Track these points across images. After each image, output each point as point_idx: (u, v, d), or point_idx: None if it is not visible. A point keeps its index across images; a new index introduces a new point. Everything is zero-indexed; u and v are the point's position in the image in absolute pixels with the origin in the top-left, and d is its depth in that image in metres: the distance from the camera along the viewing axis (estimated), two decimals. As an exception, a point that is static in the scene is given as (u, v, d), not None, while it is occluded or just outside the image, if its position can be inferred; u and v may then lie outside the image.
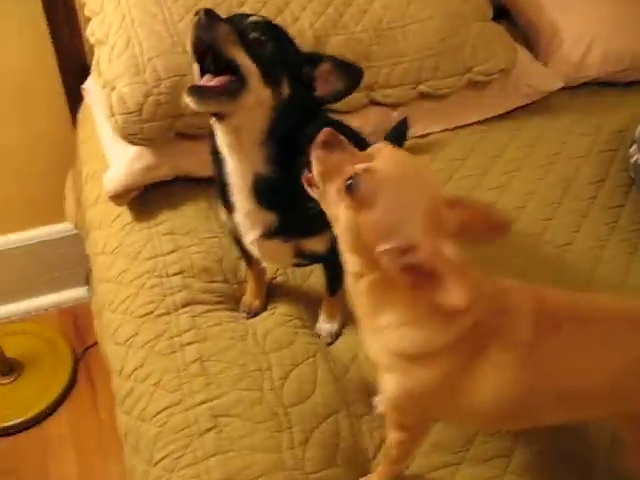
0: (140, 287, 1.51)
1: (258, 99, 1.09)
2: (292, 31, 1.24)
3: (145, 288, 1.51)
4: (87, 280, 2.12)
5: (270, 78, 1.09)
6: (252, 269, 1.50)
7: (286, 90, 1.13)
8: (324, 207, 0.99)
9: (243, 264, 1.57)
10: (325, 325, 1.49)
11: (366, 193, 0.90)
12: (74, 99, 2.13)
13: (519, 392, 1.00)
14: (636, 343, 1.01)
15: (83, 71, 2.02)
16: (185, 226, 1.64)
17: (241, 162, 1.18)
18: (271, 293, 1.55)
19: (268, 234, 1.27)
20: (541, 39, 2.16)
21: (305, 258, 1.37)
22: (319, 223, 1.25)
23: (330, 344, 1.47)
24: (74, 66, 2.09)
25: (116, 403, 1.42)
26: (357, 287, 1.00)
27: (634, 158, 1.77)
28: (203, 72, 1.09)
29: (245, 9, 1.74)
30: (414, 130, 1.91)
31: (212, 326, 1.43)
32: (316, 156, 0.97)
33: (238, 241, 1.40)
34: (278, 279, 1.59)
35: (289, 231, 1.27)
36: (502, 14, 2.22)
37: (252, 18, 1.12)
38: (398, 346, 1.00)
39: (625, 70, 2.12)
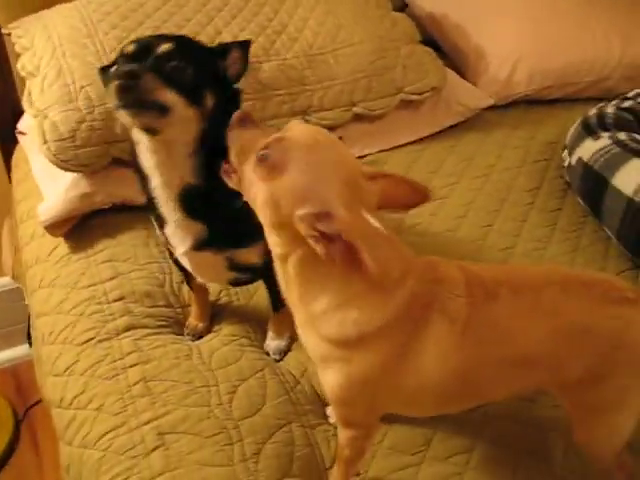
0: (79, 315, 1.46)
1: (185, 119, 1.11)
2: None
3: (85, 316, 1.46)
4: (28, 335, 2.03)
5: (193, 101, 1.11)
6: (195, 290, 1.47)
7: (210, 101, 1.14)
8: (244, 193, 0.98)
9: (186, 287, 1.54)
10: (273, 342, 1.46)
11: (277, 160, 0.90)
12: (8, 152, 2.08)
13: (463, 363, 0.99)
14: (568, 306, 1.01)
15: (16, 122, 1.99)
16: (124, 253, 1.60)
17: (169, 174, 1.17)
18: (216, 315, 1.52)
19: (199, 245, 1.25)
20: (468, 62, 2.23)
21: (241, 272, 1.35)
22: (250, 232, 1.25)
23: (279, 361, 1.44)
24: (6, 118, 2.05)
25: (58, 438, 1.35)
26: (286, 271, 0.98)
27: (567, 161, 1.81)
28: None
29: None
30: (351, 152, 1.92)
31: (155, 348, 1.38)
32: (230, 137, 0.98)
33: (173, 257, 1.38)
34: (222, 300, 1.56)
35: (220, 241, 1.25)
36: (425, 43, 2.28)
37: (165, 47, 1.12)
38: (337, 331, 0.96)
39: (550, 87, 2.20)
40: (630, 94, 1.96)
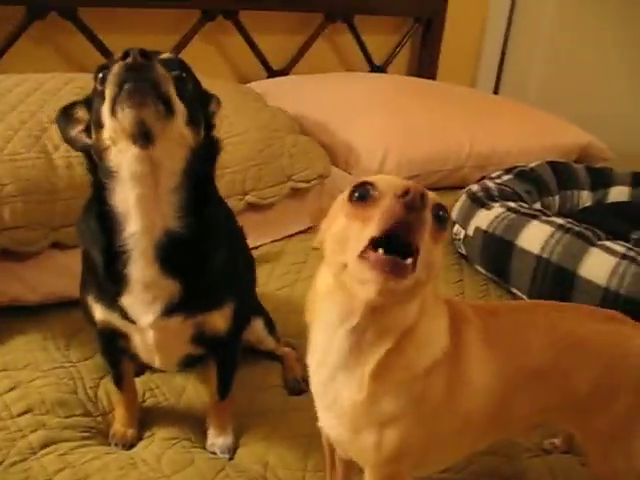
0: (-23, 438, 1.17)
1: (182, 135, 0.99)
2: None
3: (-17, 438, 1.17)
4: None
5: (192, 119, 1.00)
6: (125, 390, 1.26)
7: (202, 132, 1.04)
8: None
9: (103, 392, 1.32)
10: (217, 440, 1.26)
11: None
12: None
13: (495, 377, 0.96)
14: (562, 321, 1.04)
15: None
16: (20, 360, 1.35)
17: (150, 216, 1.01)
18: (142, 420, 1.30)
19: (169, 310, 1.08)
20: (339, 157, 2.30)
21: (201, 344, 1.18)
22: (224, 291, 1.16)
23: (231, 459, 1.25)
24: None
25: None
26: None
27: (461, 234, 1.89)
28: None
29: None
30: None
31: (90, 461, 1.14)
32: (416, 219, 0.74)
33: (112, 347, 1.20)
34: (148, 402, 1.34)
35: (192, 304, 1.10)
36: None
37: (166, 55, 1.03)
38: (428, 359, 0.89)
39: (417, 176, 2.32)
40: (493, 175, 2.13)
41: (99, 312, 1.12)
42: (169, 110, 0.94)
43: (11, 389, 1.26)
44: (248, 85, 2.55)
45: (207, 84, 2.03)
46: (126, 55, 0.92)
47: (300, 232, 2.02)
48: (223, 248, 1.11)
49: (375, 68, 3.22)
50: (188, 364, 1.27)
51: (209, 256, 1.08)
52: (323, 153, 2.09)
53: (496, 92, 3.77)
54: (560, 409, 1.06)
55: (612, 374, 1.02)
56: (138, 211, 1.00)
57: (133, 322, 1.09)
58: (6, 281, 1.42)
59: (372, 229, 0.74)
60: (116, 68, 0.92)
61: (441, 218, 0.80)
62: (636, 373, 1.03)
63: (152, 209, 1.01)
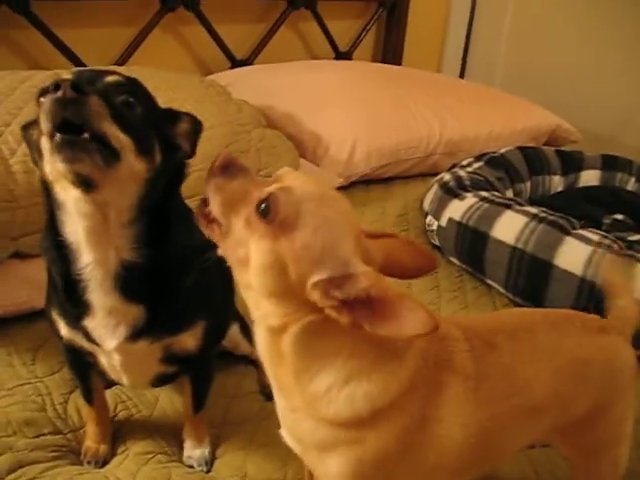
0: (-64, 466, 1.11)
1: (132, 172, 0.91)
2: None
3: (-56, 466, 1.11)
4: None
5: (144, 149, 0.92)
6: (94, 405, 1.21)
7: (158, 157, 0.96)
8: (227, 251, 0.80)
9: (72, 408, 1.27)
10: (195, 452, 1.22)
11: (287, 213, 0.74)
12: None
13: (482, 422, 0.88)
14: (564, 344, 0.97)
15: None
16: (-18, 379, 1.28)
17: (102, 248, 0.95)
18: (114, 435, 1.25)
19: (135, 334, 1.03)
20: (307, 148, 2.25)
21: (172, 364, 1.14)
22: (193, 311, 1.10)
23: (208, 472, 1.21)
24: None
25: None
26: (278, 347, 0.81)
27: (434, 225, 1.86)
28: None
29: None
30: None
31: (63, 483, 1.09)
32: (214, 185, 0.80)
33: (80, 361, 1.14)
34: (120, 415, 1.30)
35: (159, 327, 1.04)
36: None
37: (112, 78, 0.94)
38: (346, 410, 0.81)
39: (386, 165, 2.29)
40: (463, 163, 2.11)
41: (63, 329, 1.07)
42: (109, 154, 0.86)
43: (-26, 410, 1.20)
44: (212, 77, 2.49)
45: (169, 78, 1.98)
46: (57, 87, 0.82)
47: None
48: (190, 271, 1.04)
49: (340, 55, 3.16)
50: (161, 382, 1.22)
51: (174, 281, 1.02)
52: (291, 146, 2.04)
53: (462, 76, 3.74)
54: (551, 432, 1.02)
55: (608, 390, 1.00)
56: (89, 244, 0.95)
57: (97, 344, 1.04)
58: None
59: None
60: (47, 103, 0.82)
61: (262, 211, 0.76)
62: (627, 383, 1.01)
63: (104, 242, 0.95)
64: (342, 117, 2.29)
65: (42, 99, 0.86)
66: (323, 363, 0.81)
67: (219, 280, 1.22)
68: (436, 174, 2.28)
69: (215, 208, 0.79)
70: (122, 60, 2.40)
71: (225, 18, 2.65)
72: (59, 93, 0.82)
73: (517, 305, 1.68)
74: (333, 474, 0.86)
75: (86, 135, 0.83)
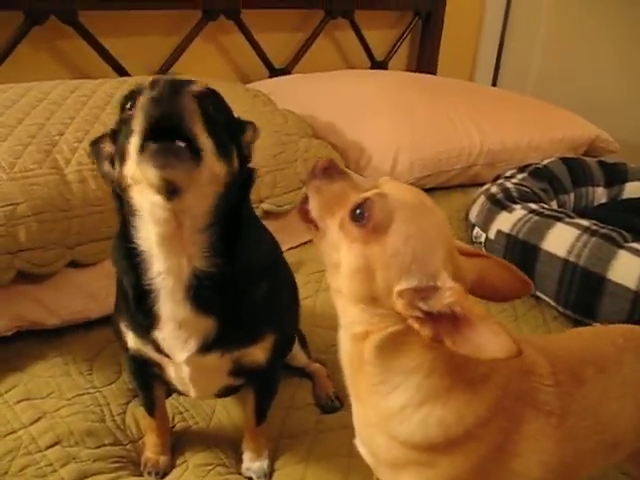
0: (3, 474, 1.11)
1: (213, 175, 0.90)
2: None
3: (11, 474, 1.11)
4: None
5: (224, 153, 0.92)
6: (155, 416, 1.21)
7: (235, 162, 0.96)
8: (321, 252, 0.82)
9: (130, 418, 1.27)
10: (254, 464, 1.22)
11: (380, 218, 0.75)
12: None
13: (561, 458, 0.86)
14: None
15: None
16: (42, 388, 1.29)
17: (176, 257, 0.95)
18: (173, 446, 1.25)
19: (206, 346, 1.02)
20: (349, 157, 2.25)
21: (241, 376, 1.13)
22: (264, 323, 1.09)
23: (267, 485, 1.21)
24: None
25: None
26: (359, 354, 0.82)
27: (482, 238, 1.85)
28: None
29: None
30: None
31: (127, 495, 1.09)
32: (313, 186, 0.82)
33: (144, 372, 1.14)
34: (177, 426, 1.30)
35: (230, 339, 1.04)
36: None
37: (199, 84, 0.93)
38: (418, 433, 0.81)
39: (428, 176, 2.27)
40: (507, 174, 2.09)
41: (132, 340, 1.07)
42: (197, 156, 0.85)
43: (37, 420, 1.21)
44: (251, 85, 2.50)
45: (216, 86, 1.98)
46: (154, 85, 0.84)
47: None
48: (262, 282, 1.04)
49: (376, 64, 3.17)
50: (226, 393, 1.22)
51: (246, 292, 1.02)
52: (337, 156, 2.04)
53: (494, 85, 3.73)
54: (625, 459, 1.00)
55: None
56: (162, 252, 0.94)
57: (167, 356, 1.04)
58: (24, 305, 1.35)
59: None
60: (143, 101, 0.83)
61: (357, 215, 0.77)
62: None
63: (177, 250, 0.94)
64: (384, 127, 2.29)
65: (128, 104, 0.89)
66: (400, 380, 0.80)
67: (287, 291, 1.22)
68: (476, 185, 2.28)
69: (313, 209, 0.82)
70: (164, 69, 2.42)
71: (264, 27, 2.67)
72: (155, 93, 0.82)
73: (567, 318, 1.66)
74: None
75: (181, 144, 0.83)
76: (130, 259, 0.98)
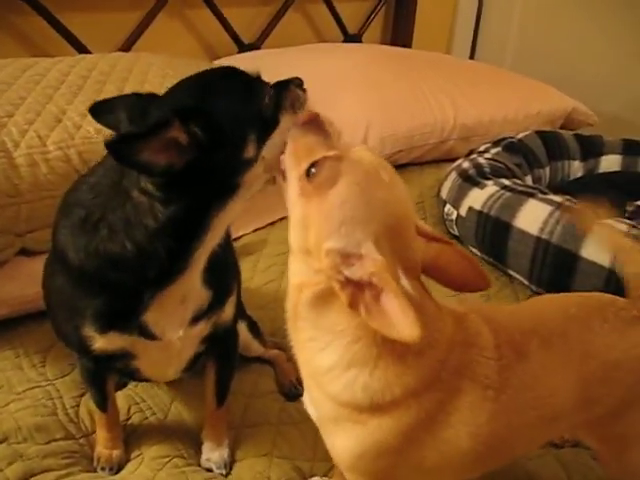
0: (-55, 475, 1.06)
1: None
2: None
3: (-47, 475, 1.06)
4: None
5: None
6: (107, 410, 1.15)
7: None
8: (286, 200, 0.85)
9: (84, 411, 1.22)
10: (213, 454, 1.18)
11: (325, 178, 0.78)
12: None
13: (496, 431, 0.86)
14: (596, 346, 0.92)
15: None
16: (-8, 382, 1.23)
17: (219, 235, 0.96)
18: (128, 439, 1.20)
19: (197, 317, 1.04)
20: (318, 134, 2.18)
21: (208, 338, 1.11)
22: (229, 279, 1.12)
23: (227, 475, 1.16)
24: None
25: None
26: (296, 307, 0.84)
27: (454, 215, 1.80)
28: None
29: None
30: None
31: (78, 493, 1.04)
32: (292, 134, 0.86)
33: (99, 370, 1.11)
34: (133, 418, 1.25)
35: (213, 303, 1.05)
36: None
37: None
38: (344, 394, 0.82)
39: (400, 152, 2.22)
40: (481, 148, 2.04)
41: (99, 341, 0.99)
42: None
43: (-17, 416, 1.16)
44: (219, 61, 2.43)
45: (178, 64, 1.91)
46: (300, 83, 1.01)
47: (284, 218, 1.92)
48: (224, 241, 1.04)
49: (349, 37, 3.09)
50: (189, 367, 1.17)
51: (223, 255, 1.03)
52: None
53: (472, 58, 3.66)
54: (573, 429, 0.99)
55: (636, 389, 0.94)
56: (222, 228, 0.95)
57: (152, 338, 1.00)
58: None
59: None
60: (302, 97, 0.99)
61: (309, 171, 0.80)
62: None
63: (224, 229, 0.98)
64: (354, 102, 2.22)
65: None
66: (330, 339, 0.82)
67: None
68: (451, 160, 2.22)
69: (286, 157, 0.85)
70: (127, 46, 2.34)
71: (232, 1, 2.58)
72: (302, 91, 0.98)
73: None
74: (338, 448, 0.87)
75: None
76: (164, 246, 0.91)
